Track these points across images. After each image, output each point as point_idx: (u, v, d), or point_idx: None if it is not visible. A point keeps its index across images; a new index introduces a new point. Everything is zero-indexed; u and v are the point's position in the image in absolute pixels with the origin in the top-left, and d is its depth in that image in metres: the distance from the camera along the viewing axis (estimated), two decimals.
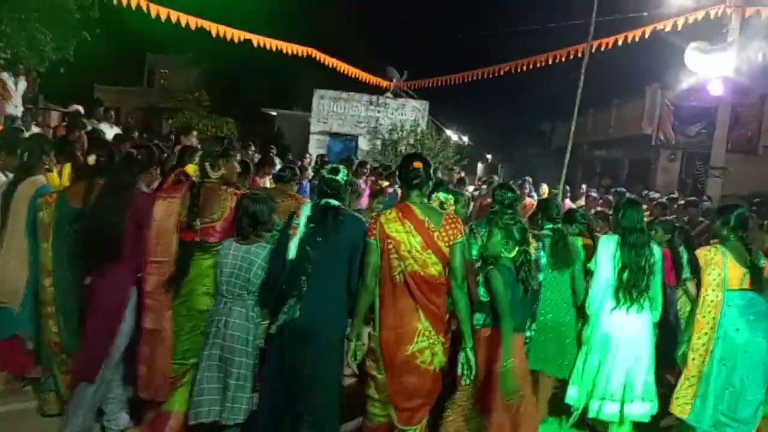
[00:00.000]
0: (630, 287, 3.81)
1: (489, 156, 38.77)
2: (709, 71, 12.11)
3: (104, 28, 11.78)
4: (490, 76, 15.61)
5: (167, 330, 3.37)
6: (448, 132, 25.85)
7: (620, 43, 12.35)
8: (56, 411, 3.70)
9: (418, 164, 3.28)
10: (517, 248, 3.26)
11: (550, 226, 4.25)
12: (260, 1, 19.48)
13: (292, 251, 3.13)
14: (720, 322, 3.70)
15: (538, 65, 14.08)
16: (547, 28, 15.65)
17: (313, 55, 15.19)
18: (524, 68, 14.49)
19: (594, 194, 11.72)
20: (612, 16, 12.41)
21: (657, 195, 11.48)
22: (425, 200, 3.30)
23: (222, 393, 3.20)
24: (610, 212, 5.34)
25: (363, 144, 19.53)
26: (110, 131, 9.17)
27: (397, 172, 3.60)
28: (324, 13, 24.01)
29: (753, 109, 18.56)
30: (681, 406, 3.73)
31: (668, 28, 11.91)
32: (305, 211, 3.21)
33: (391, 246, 3.06)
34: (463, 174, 12.41)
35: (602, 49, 12.55)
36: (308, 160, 14.17)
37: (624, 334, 3.84)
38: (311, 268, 3.07)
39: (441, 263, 3.10)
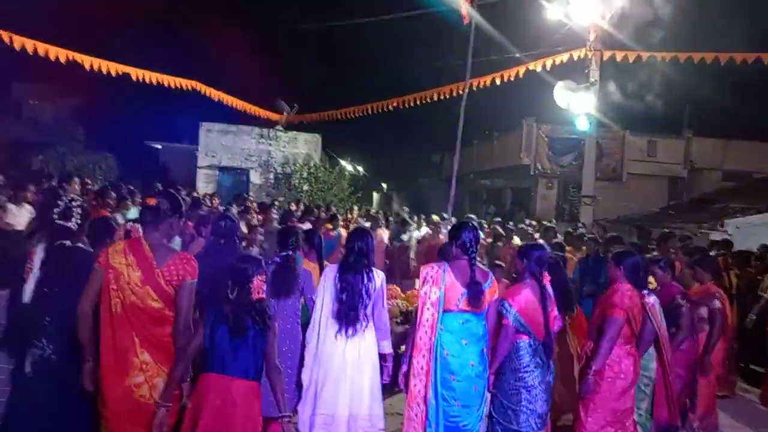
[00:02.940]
0: (348, 309, 3.77)
1: (384, 185, 39.52)
2: (575, 107, 13.22)
3: None
4: (380, 110, 16.02)
5: None
6: (343, 163, 26.08)
7: (498, 81, 13.20)
8: None
9: (152, 201, 3.49)
10: (237, 287, 3.02)
11: (283, 254, 4.26)
12: (139, 33, 18.75)
13: (27, 294, 3.17)
14: (436, 343, 3.57)
15: (426, 101, 14.67)
16: (432, 67, 16.38)
17: (198, 89, 14.78)
18: (412, 103, 15.06)
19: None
20: (488, 56, 13.22)
21: (532, 224, 12.20)
22: (165, 239, 3.32)
23: None
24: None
25: (255, 178, 19.14)
26: None
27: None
28: (212, 48, 23.53)
29: (616, 141, 20.49)
30: None
31: (539, 69, 12.91)
32: (38, 254, 3.26)
33: (111, 276, 3.07)
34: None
35: (482, 85, 13.33)
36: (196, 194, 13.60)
37: (345, 358, 3.76)
38: (55, 308, 3.12)
39: (161, 300, 3.09)
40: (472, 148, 25.09)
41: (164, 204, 3.30)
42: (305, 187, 18.02)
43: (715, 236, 11.50)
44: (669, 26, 12.70)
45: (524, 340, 3.73)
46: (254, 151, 19.21)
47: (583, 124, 13.22)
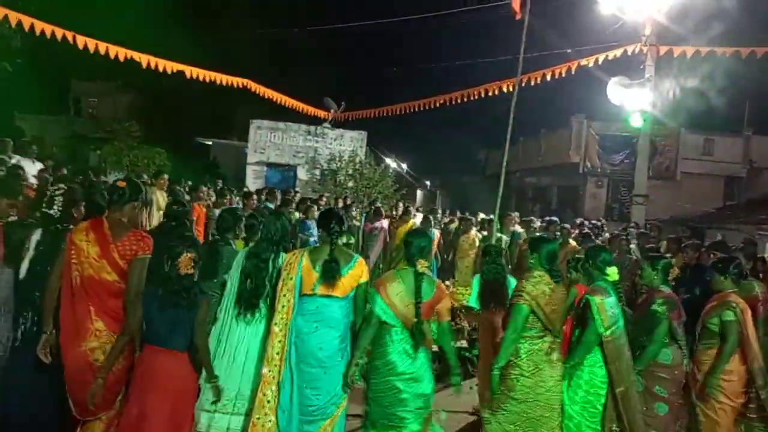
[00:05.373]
0: (249, 296, 3.75)
1: (428, 183, 39.46)
2: (629, 104, 12.86)
3: (26, 57, 11.23)
4: (427, 108, 15.96)
5: None
6: (388, 160, 26.11)
7: (548, 77, 12.95)
8: None
9: (121, 184, 3.58)
10: (170, 263, 3.32)
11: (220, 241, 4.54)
12: (193, 33, 19.25)
13: (22, 271, 3.51)
14: (290, 328, 3.55)
15: (473, 98, 14.52)
16: (480, 63, 16.25)
17: (249, 87, 15.07)
18: (458, 101, 14.92)
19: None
20: (539, 52, 13.01)
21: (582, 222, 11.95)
22: (125, 218, 3.53)
23: None
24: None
25: (302, 174, 19.41)
26: (33, 167, 8.69)
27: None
28: (262, 46, 23.93)
29: (670, 139, 19.86)
30: (265, 426, 3.46)
31: (591, 64, 12.60)
32: (35, 236, 3.56)
33: (72, 252, 3.34)
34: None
35: (531, 82, 13.11)
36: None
37: (242, 342, 3.76)
38: (44, 285, 3.40)
39: (116, 273, 3.36)
40: (518, 146, 24.73)
41: (127, 189, 3.54)
42: (350, 184, 18.15)
43: None
44: (730, 19, 12.22)
45: (390, 328, 3.62)
46: (302, 148, 19.48)
47: (637, 122, 12.86)
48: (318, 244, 3.86)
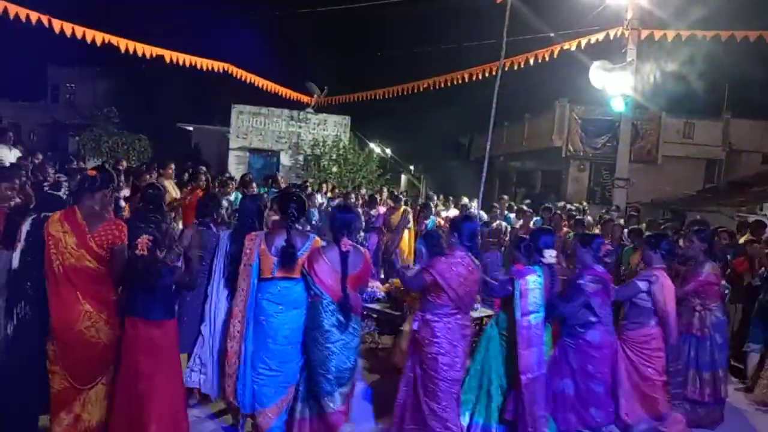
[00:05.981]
0: (236, 277, 4.00)
1: (411, 167, 39.41)
2: (611, 88, 12.93)
3: (1, 42, 10.93)
4: (410, 92, 15.91)
5: None
6: (372, 145, 26.05)
7: (531, 61, 12.97)
8: None
9: (92, 172, 3.64)
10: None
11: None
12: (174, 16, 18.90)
13: (15, 262, 3.56)
14: (248, 308, 3.81)
15: (456, 82, 14.50)
16: (463, 47, 16.20)
17: (230, 71, 14.87)
18: (442, 84, 14.90)
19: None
20: (522, 36, 12.99)
21: (570, 206, 12.04)
22: (97, 206, 3.59)
23: None
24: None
25: (285, 159, 19.31)
26: (10, 154, 8.53)
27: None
28: (242, 30, 23.56)
29: (652, 122, 20.02)
30: (232, 395, 3.87)
31: (573, 48, 12.64)
32: (25, 226, 3.60)
33: (51, 243, 3.44)
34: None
35: (515, 66, 13.12)
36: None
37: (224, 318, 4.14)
38: (35, 275, 3.50)
39: (95, 260, 3.48)
40: (503, 130, 24.77)
41: (100, 177, 3.59)
42: (334, 169, 18.11)
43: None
44: (711, 4, 12.30)
45: (319, 301, 3.80)
46: (284, 133, 19.34)
47: (618, 105, 12.95)
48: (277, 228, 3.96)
